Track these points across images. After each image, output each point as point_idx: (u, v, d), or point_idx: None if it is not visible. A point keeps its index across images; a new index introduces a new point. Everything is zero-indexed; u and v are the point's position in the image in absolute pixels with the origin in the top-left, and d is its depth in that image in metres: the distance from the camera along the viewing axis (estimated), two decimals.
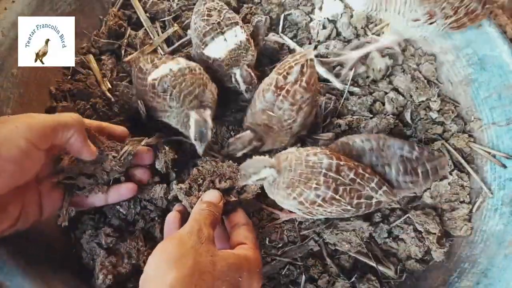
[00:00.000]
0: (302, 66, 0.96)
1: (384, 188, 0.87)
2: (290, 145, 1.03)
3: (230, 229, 0.86)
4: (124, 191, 0.93)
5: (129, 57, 1.21)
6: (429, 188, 1.08)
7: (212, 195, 0.85)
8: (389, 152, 0.91)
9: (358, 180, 0.85)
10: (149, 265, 0.67)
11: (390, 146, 0.92)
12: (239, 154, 1.01)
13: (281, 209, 1.02)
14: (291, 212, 0.99)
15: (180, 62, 1.01)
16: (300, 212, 0.90)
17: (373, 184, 0.87)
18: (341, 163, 0.86)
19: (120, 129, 0.96)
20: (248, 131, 1.01)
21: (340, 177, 0.85)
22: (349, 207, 0.86)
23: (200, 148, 0.98)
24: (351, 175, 0.85)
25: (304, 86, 0.96)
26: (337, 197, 0.84)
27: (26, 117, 0.72)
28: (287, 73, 0.96)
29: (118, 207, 0.98)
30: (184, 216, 0.86)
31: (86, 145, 0.82)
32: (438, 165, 0.92)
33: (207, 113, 0.98)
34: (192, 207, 0.85)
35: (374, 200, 0.87)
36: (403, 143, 0.92)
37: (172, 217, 0.87)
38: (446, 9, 1.00)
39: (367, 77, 1.23)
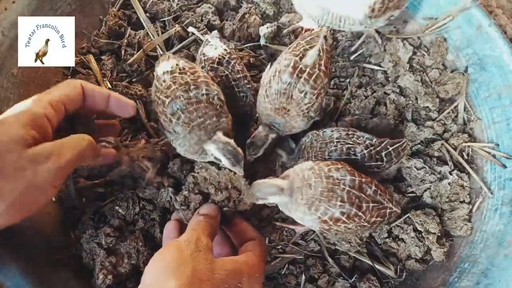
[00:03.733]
0: (319, 50, 0.95)
1: (396, 198, 0.89)
2: (303, 132, 1.03)
3: (240, 244, 0.82)
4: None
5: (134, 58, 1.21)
6: (429, 188, 1.08)
7: (209, 209, 0.83)
8: (357, 140, 0.96)
9: (379, 192, 0.86)
10: (148, 274, 0.66)
11: (359, 136, 0.97)
12: (261, 152, 1.00)
13: (294, 222, 0.99)
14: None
15: (200, 86, 0.88)
16: (319, 229, 0.89)
17: (388, 196, 0.88)
18: (363, 180, 0.85)
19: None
20: (260, 127, 1.00)
21: (363, 194, 0.84)
22: (367, 224, 0.85)
23: (240, 169, 0.87)
24: (373, 188, 0.85)
25: (324, 71, 0.95)
26: (360, 213, 0.83)
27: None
28: (303, 55, 0.95)
29: (117, 207, 0.98)
30: (182, 226, 0.86)
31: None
32: (399, 148, 0.96)
33: (220, 135, 0.88)
34: (187, 220, 0.84)
35: (388, 211, 0.87)
36: (371, 135, 0.98)
37: (171, 226, 0.87)
38: None
39: (370, 77, 1.24)
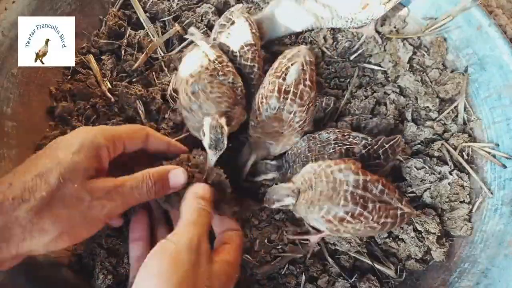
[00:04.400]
0: (302, 64, 0.96)
1: (406, 198, 0.88)
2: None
3: (219, 234, 0.80)
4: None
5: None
6: (429, 188, 1.08)
7: (206, 190, 0.76)
8: (353, 140, 0.96)
9: (386, 191, 0.86)
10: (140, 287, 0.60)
11: (355, 136, 0.98)
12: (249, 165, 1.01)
13: (307, 232, 1.01)
14: (318, 231, 0.99)
15: (227, 74, 0.95)
16: (327, 230, 0.89)
17: (397, 195, 0.88)
18: (368, 178, 0.86)
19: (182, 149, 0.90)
20: (244, 148, 1.02)
21: (368, 194, 0.84)
22: (375, 225, 0.85)
23: (213, 157, 0.88)
24: (380, 187, 0.85)
25: (309, 85, 0.96)
26: (365, 213, 0.83)
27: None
28: (285, 74, 0.95)
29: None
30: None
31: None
32: (395, 144, 0.97)
33: (223, 120, 0.90)
34: (173, 206, 0.79)
35: (399, 212, 0.87)
36: (365, 135, 0.99)
37: (137, 225, 0.84)
38: None
39: (370, 78, 1.24)
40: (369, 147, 0.96)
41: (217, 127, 0.90)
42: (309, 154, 0.97)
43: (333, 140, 0.96)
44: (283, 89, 0.94)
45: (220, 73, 0.94)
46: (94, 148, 0.69)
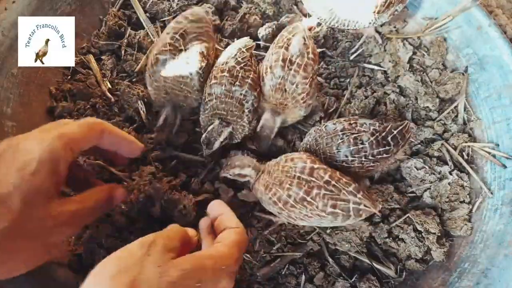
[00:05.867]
0: (303, 37, 0.98)
1: (362, 193, 0.87)
2: (304, 118, 1.08)
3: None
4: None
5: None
6: (429, 188, 1.08)
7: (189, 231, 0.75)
8: (361, 128, 0.96)
9: (333, 182, 0.86)
10: (87, 283, 0.58)
11: (362, 124, 0.97)
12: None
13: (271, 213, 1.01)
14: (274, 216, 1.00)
15: (243, 86, 0.99)
16: (281, 215, 0.92)
17: (351, 188, 0.87)
18: (315, 166, 0.88)
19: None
20: (266, 114, 1.03)
21: (314, 179, 0.86)
22: (323, 214, 0.86)
23: (204, 151, 1.00)
24: (326, 177, 0.86)
25: (312, 58, 0.98)
26: (308, 199, 0.85)
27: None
28: (288, 45, 0.98)
29: (120, 203, 0.98)
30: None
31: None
32: (403, 130, 0.97)
33: (228, 130, 0.98)
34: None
35: (351, 205, 0.86)
36: (373, 120, 0.99)
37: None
38: None
39: (370, 77, 1.24)
40: (377, 134, 0.95)
41: (215, 131, 0.97)
42: (317, 149, 0.97)
43: (341, 131, 0.96)
44: (287, 59, 0.96)
45: (238, 83, 0.98)
46: (53, 163, 0.63)
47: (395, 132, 0.96)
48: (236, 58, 1.01)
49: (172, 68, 1.01)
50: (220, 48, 1.19)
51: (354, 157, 0.93)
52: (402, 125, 0.98)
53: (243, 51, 1.03)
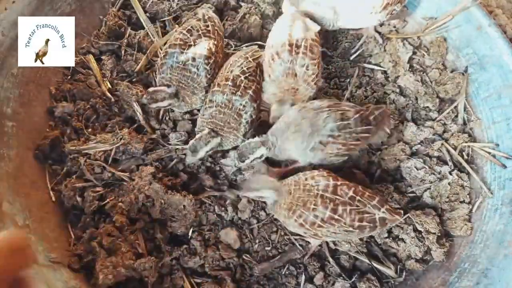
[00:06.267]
0: (303, 22, 1.02)
1: (387, 206, 0.90)
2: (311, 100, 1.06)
3: None
4: None
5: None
6: (429, 188, 1.08)
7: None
8: (346, 108, 0.97)
9: (358, 197, 0.87)
10: None
11: (345, 104, 0.99)
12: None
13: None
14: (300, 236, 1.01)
15: (244, 96, 1.01)
16: (306, 234, 0.92)
17: (375, 202, 0.88)
18: (339, 183, 0.88)
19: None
20: (274, 106, 1.04)
21: (338, 196, 0.86)
22: (351, 229, 0.87)
23: (187, 158, 1.01)
24: (350, 193, 0.87)
25: (315, 39, 1.02)
26: (336, 216, 0.85)
27: None
28: (290, 31, 1.01)
29: (120, 203, 0.98)
30: None
31: None
32: (383, 113, 1.00)
33: (215, 140, 0.99)
34: None
35: (377, 216, 0.88)
36: (354, 104, 1.01)
37: None
38: None
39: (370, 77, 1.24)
40: (361, 112, 0.97)
41: (202, 140, 0.97)
42: (303, 122, 0.95)
43: (327, 107, 0.96)
44: (294, 43, 0.99)
45: (239, 93, 0.99)
46: None
47: (376, 113, 0.99)
48: (242, 68, 1.02)
49: (181, 57, 1.03)
50: (228, 50, 1.20)
51: (340, 132, 0.94)
52: (381, 108, 1.01)
53: (249, 61, 1.04)
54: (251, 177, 0.94)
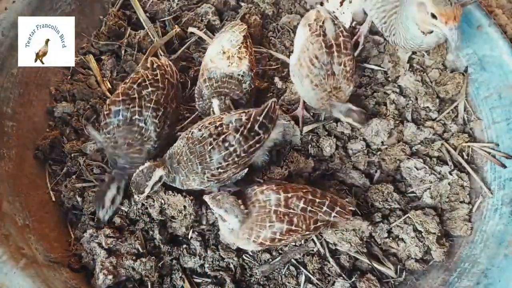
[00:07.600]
0: (331, 19, 1.02)
1: (337, 209, 0.90)
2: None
3: None
4: None
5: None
6: (429, 188, 1.08)
7: None
8: (225, 131, 0.91)
9: (309, 208, 0.88)
10: None
11: (227, 122, 0.92)
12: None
13: None
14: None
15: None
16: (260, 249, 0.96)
17: (325, 208, 0.89)
18: (289, 195, 0.88)
19: None
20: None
21: (291, 210, 0.87)
22: (308, 232, 0.90)
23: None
24: (301, 205, 0.88)
25: (347, 35, 1.03)
26: (293, 228, 0.87)
27: None
28: (323, 31, 1.01)
29: (119, 205, 0.98)
30: None
31: None
32: (269, 112, 0.92)
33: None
34: None
35: (330, 219, 0.91)
36: (238, 113, 0.94)
37: None
38: None
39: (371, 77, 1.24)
40: (242, 129, 0.90)
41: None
42: (192, 157, 0.91)
43: (209, 136, 0.90)
44: (329, 44, 1.00)
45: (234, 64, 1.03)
46: None
47: (260, 119, 0.91)
48: (231, 41, 1.04)
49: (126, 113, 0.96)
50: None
51: (228, 161, 0.90)
52: (266, 107, 0.92)
53: (237, 34, 1.05)
54: (224, 196, 0.86)
